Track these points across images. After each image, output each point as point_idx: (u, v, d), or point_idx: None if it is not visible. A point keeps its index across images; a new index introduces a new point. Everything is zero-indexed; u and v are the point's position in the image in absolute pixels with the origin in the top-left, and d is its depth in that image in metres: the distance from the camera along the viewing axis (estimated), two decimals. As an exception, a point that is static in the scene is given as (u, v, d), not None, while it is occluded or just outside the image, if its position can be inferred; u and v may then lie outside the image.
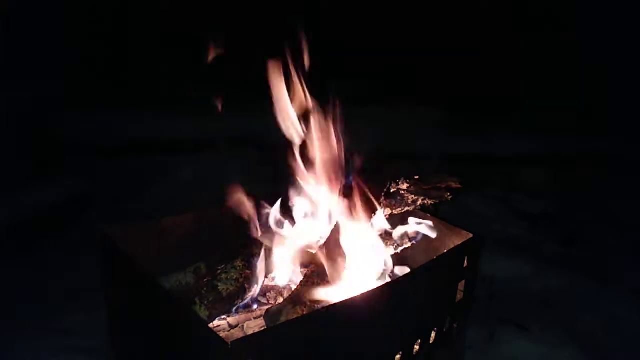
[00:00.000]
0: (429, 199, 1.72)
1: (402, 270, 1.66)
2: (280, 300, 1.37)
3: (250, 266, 1.38)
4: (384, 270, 1.52)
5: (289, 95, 1.54)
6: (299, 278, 1.38)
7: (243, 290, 1.37)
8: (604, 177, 3.96)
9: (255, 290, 1.42)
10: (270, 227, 1.53)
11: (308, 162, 1.58)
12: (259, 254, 1.42)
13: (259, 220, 1.54)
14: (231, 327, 1.48)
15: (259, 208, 1.57)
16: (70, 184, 3.25)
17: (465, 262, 1.58)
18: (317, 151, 1.56)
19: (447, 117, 4.58)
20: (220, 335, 1.20)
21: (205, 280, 1.48)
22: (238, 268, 1.37)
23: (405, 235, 1.65)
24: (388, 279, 1.52)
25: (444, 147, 4.19)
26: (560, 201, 3.52)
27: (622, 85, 4.82)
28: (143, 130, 4.08)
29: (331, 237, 1.45)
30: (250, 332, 1.43)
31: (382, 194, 1.66)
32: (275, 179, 1.77)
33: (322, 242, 1.48)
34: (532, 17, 5.17)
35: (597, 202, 3.54)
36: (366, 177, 1.65)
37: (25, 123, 3.81)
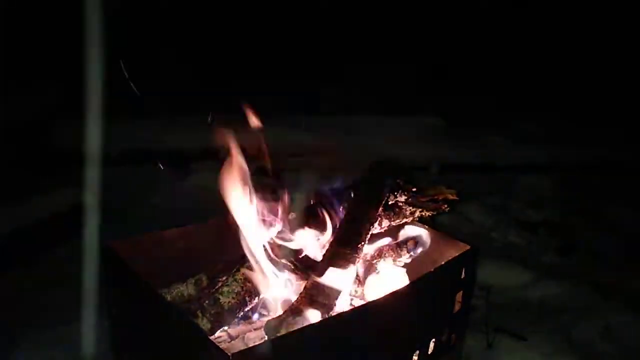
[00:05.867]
0: (426, 210, 1.75)
1: (401, 283, 1.68)
2: (281, 312, 1.39)
3: (251, 278, 1.40)
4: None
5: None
6: (298, 290, 1.40)
7: (244, 303, 1.39)
8: (603, 185, 3.98)
9: (256, 302, 1.44)
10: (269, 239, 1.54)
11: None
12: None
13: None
14: (232, 338, 1.50)
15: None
16: (71, 194, 3.26)
17: (463, 273, 1.60)
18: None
19: (446, 125, 4.61)
20: (221, 346, 1.22)
21: (206, 291, 1.50)
22: (239, 281, 1.39)
23: (404, 247, 1.67)
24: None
25: (442, 156, 4.21)
26: (559, 210, 3.54)
27: (622, 92, 4.86)
28: (144, 139, 4.10)
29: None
30: (250, 343, 1.45)
31: (381, 206, 1.68)
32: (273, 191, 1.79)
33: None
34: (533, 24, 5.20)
35: (596, 210, 3.55)
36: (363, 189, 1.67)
37: (24, 133, 3.83)
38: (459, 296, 1.63)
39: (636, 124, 4.54)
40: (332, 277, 1.37)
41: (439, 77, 5.01)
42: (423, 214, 1.74)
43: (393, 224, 1.72)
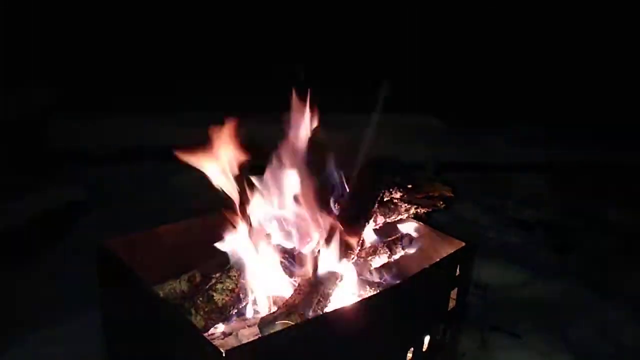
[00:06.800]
0: (422, 207, 1.74)
1: (396, 279, 1.67)
2: (274, 309, 1.38)
3: (245, 275, 1.39)
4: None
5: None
6: (292, 287, 1.39)
7: (238, 300, 1.38)
8: (599, 185, 3.98)
9: (250, 299, 1.43)
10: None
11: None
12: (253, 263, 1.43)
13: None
14: (225, 335, 1.49)
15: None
16: (65, 191, 3.25)
17: (458, 270, 1.59)
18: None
19: (442, 124, 4.61)
20: (215, 343, 1.21)
21: (200, 288, 1.49)
22: (233, 278, 1.38)
23: (398, 244, 1.66)
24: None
25: (439, 154, 4.21)
26: (555, 209, 3.54)
27: (620, 92, 4.87)
28: (137, 137, 4.09)
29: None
30: (244, 340, 1.44)
31: (376, 202, 1.67)
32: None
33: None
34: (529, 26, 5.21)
35: (593, 210, 3.56)
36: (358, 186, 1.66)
37: (18, 131, 3.82)
38: (453, 293, 1.63)
39: (634, 124, 4.55)
40: (327, 274, 1.37)
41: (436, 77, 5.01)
42: (418, 210, 1.74)
43: (388, 220, 1.71)
